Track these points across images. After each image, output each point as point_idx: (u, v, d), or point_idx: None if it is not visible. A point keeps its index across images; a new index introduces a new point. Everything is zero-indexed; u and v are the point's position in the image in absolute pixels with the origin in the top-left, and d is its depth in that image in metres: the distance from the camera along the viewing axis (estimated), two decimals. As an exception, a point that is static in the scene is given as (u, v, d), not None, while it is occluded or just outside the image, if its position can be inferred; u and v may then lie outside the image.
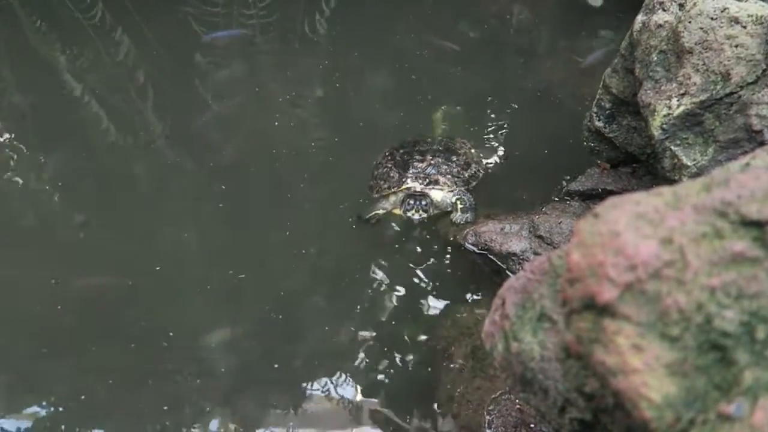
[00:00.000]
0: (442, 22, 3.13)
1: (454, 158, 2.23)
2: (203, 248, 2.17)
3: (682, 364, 0.67)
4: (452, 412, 1.52)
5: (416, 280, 1.96)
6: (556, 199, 2.01)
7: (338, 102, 2.79)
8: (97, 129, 2.69)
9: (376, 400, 1.75)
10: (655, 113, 1.52)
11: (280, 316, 1.92)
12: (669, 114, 1.50)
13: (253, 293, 2.01)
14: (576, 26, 2.96)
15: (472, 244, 1.87)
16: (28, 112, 2.86)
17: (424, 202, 2.07)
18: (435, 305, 1.89)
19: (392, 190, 2.14)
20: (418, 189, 2.11)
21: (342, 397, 1.77)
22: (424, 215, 2.07)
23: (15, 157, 2.60)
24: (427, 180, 2.14)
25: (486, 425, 1.43)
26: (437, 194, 2.13)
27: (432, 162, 2.18)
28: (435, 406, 1.62)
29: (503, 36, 3.07)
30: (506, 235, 1.82)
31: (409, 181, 2.13)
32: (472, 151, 2.36)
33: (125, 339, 1.86)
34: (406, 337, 1.86)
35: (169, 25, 3.12)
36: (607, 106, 1.85)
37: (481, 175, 2.25)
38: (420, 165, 2.17)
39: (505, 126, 2.58)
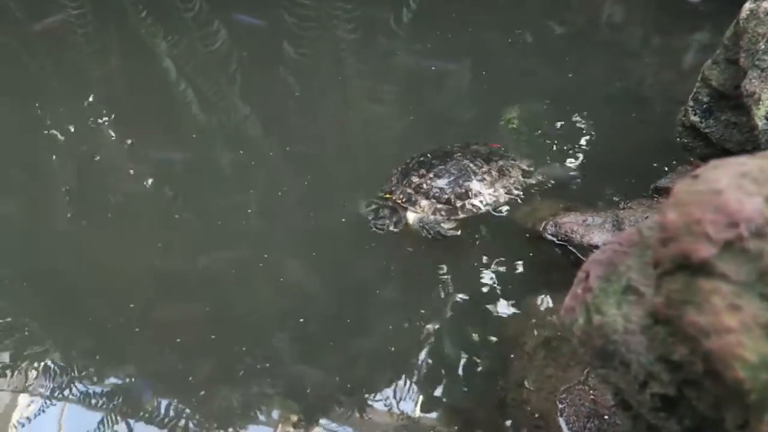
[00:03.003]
0: (528, 16, 3.09)
1: (460, 182, 2.07)
2: (281, 235, 2.24)
3: (783, 325, 0.64)
4: (522, 397, 1.49)
5: (490, 268, 1.95)
6: (644, 195, 1.94)
7: (416, 96, 2.81)
8: (188, 114, 2.84)
9: (443, 385, 1.74)
10: (760, 103, 1.44)
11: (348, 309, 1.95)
12: (774, 104, 1.41)
13: (322, 284, 2.04)
14: (672, 25, 2.85)
15: (552, 235, 1.83)
16: (126, 96, 3.06)
17: (394, 218, 2.03)
18: (508, 294, 1.87)
19: (380, 193, 2.12)
20: (398, 201, 2.07)
21: (409, 380, 1.78)
22: (381, 229, 2.02)
23: (112, 137, 2.79)
24: (409, 198, 2.06)
25: (558, 413, 1.39)
26: (411, 216, 2.06)
27: (429, 181, 2.07)
28: (504, 391, 1.60)
29: (592, 33, 2.99)
30: (588, 227, 1.77)
31: (395, 191, 2.09)
32: (499, 176, 2.14)
33: (206, 317, 1.95)
34: (477, 324, 1.84)
35: (263, 18, 3.25)
36: (705, 99, 1.77)
37: (480, 212, 2.06)
38: (415, 180, 2.09)
39: (590, 124, 2.51)
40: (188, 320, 1.97)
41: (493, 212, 2.10)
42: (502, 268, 1.96)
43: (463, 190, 2.06)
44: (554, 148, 2.37)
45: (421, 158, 2.16)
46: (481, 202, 2.06)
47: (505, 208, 2.11)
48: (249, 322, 1.97)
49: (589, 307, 0.99)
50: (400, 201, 2.06)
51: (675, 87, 2.37)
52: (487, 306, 1.90)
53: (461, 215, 2.05)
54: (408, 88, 2.86)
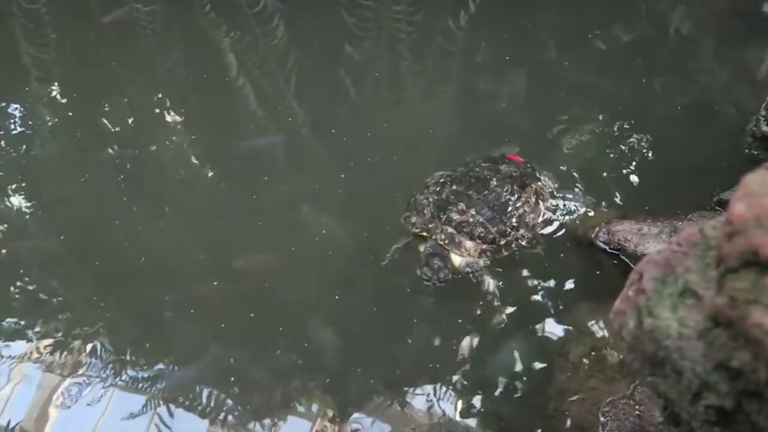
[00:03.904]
0: (592, 23, 3.01)
1: (503, 218, 1.90)
2: (324, 236, 2.22)
3: None
4: (564, 408, 1.43)
5: (536, 274, 1.88)
6: (707, 208, 1.84)
7: (470, 101, 2.77)
8: (246, 109, 2.89)
9: (485, 392, 1.69)
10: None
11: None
12: None
13: (362, 288, 2.02)
14: (744, 36, 2.71)
15: (604, 243, 1.76)
16: (188, 89, 3.14)
17: (441, 274, 1.82)
18: (555, 302, 1.80)
19: (416, 230, 1.91)
20: (439, 242, 1.86)
21: (448, 383, 1.74)
22: (444, 283, 1.82)
23: (176, 129, 2.86)
24: (452, 239, 1.86)
25: (600, 427, 1.33)
26: (456, 259, 1.87)
27: (471, 219, 1.87)
28: (545, 401, 1.53)
29: (661, 42, 2.89)
30: (643, 236, 1.69)
31: (435, 230, 1.87)
32: (536, 203, 2.01)
33: (252, 310, 1.96)
34: (521, 332, 1.79)
35: (323, 16, 3.28)
36: (778, 109, 1.67)
37: (523, 243, 1.92)
38: (456, 217, 1.88)
39: (654, 137, 2.40)
40: (234, 312, 1.98)
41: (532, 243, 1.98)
42: (548, 275, 1.89)
43: (507, 228, 1.90)
44: (615, 162, 2.29)
45: (453, 186, 1.96)
46: (523, 236, 1.93)
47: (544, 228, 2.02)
48: (292, 318, 1.96)
49: (641, 309, 0.93)
50: (442, 243, 1.86)
51: (746, 100, 2.26)
52: (532, 314, 1.84)
53: (505, 253, 1.90)
54: (463, 94, 2.83)
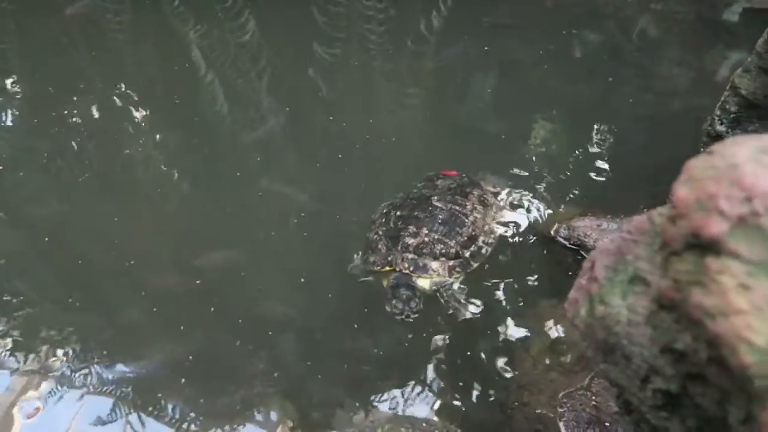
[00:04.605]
0: (561, 27, 3.05)
1: (458, 229, 1.83)
2: (290, 236, 2.21)
3: (797, 307, 0.59)
4: (522, 400, 1.44)
5: (501, 272, 1.89)
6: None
7: (440, 104, 2.78)
8: (213, 106, 2.86)
9: (448, 388, 1.70)
10: (790, 111, 1.38)
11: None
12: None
13: (328, 290, 1.99)
14: (706, 42, 2.79)
15: (564, 238, 1.78)
16: (155, 85, 3.10)
17: (413, 304, 1.71)
18: (516, 298, 1.81)
19: (377, 267, 1.80)
20: (404, 272, 1.77)
21: (411, 381, 1.73)
22: (416, 314, 1.71)
23: (143, 124, 2.81)
24: (416, 264, 1.77)
25: (557, 417, 1.34)
26: (424, 282, 1.77)
27: (427, 238, 1.80)
28: (507, 395, 1.54)
29: (626, 47, 2.94)
30: (603, 231, 1.71)
31: (396, 261, 1.77)
32: (490, 210, 1.97)
33: (211, 312, 1.94)
34: (483, 328, 1.79)
35: (291, 14, 3.26)
36: (733, 109, 1.71)
37: (487, 252, 1.85)
38: (410, 241, 1.80)
39: (617, 139, 2.45)
40: (195, 315, 1.95)
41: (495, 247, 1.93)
42: (511, 273, 1.90)
43: (465, 237, 1.83)
44: (578, 161, 2.32)
45: (397, 213, 1.90)
46: (484, 242, 1.87)
47: (501, 230, 2.00)
48: (254, 320, 1.93)
49: (594, 297, 0.94)
50: (407, 271, 1.76)
51: (705, 102, 2.30)
52: (495, 311, 1.84)
53: (474, 265, 1.82)
54: (433, 95, 2.84)
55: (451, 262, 1.80)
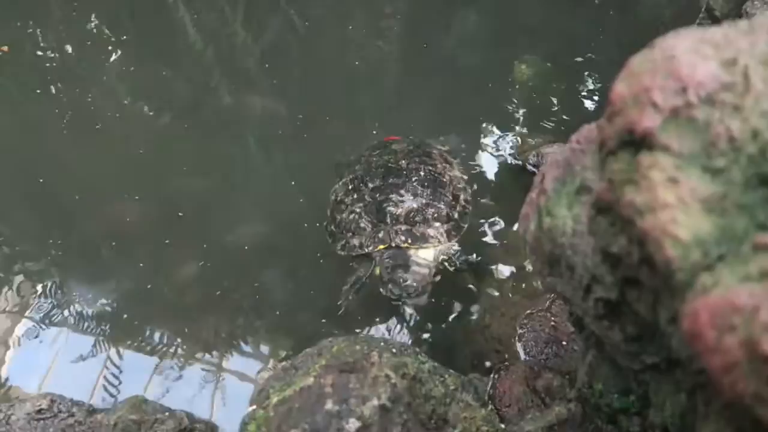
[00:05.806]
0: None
1: (441, 190, 1.64)
2: (271, 168, 2.18)
3: (722, 200, 0.57)
4: (485, 323, 1.45)
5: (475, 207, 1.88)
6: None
7: (421, 36, 2.69)
8: (185, 41, 2.76)
9: (419, 316, 1.69)
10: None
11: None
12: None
13: (312, 223, 1.91)
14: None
15: (533, 165, 1.76)
16: (128, 17, 2.98)
17: (414, 286, 1.49)
18: (487, 225, 1.81)
19: (367, 249, 1.56)
20: (402, 246, 1.54)
21: (392, 316, 1.72)
22: (425, 293, 1.52)
23: (110, 61, 2.72)
24: (413, 235, 1.56)
25: (516, 338, 1.35)
26: (427, 254, 1.55)
27: (415, 204, 1.60)
28: (470, 319, 1.55)
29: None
30: (572, 157, 1.68)
31: (388, 235, 1.55)
32: (455, 165, 1.82)
33: (198, 248, 1.91)
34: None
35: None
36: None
37: (470, 209, 1.69)
38: (399, 210, 1.60)
39: (598, 73, 2.38)
40: (179, 248, 1.93)
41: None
42: (482, 201, 1.88)
43: (450, 197, 1.65)
44: (561, 94, 2.27)
45: (369, 185, 1.69)
46: (465, 200, 1.71)
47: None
48: (238, 255, 1.90)
49: (542, 210, 0.93)
50: (405, 244, 1.54)
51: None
52: (466, 236, 1.83)
53: (464, 226, 1.65)
54: (413, 26, 2.75)
55: (446, 226, 1.61)
